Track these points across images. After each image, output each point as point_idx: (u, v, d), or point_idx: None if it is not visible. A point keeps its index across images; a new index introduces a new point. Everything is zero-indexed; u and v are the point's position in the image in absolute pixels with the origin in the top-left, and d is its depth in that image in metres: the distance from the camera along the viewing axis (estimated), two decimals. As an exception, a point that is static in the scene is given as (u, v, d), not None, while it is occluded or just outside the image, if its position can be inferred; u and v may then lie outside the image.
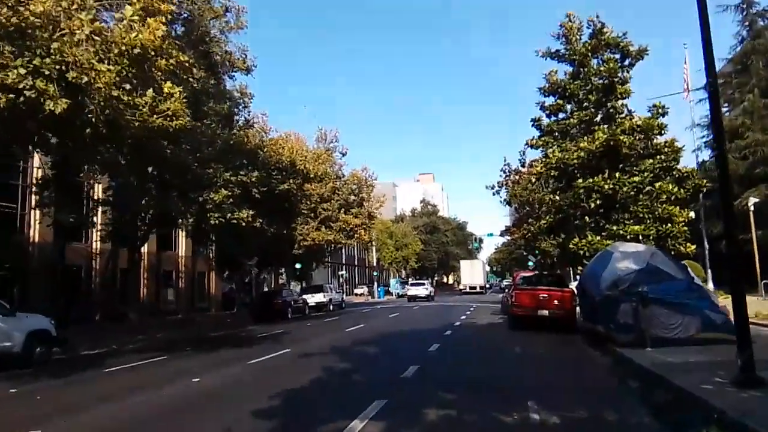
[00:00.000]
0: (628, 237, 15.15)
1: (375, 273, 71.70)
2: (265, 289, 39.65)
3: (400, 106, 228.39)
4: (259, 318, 30.50)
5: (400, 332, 17.53)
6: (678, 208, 15.50)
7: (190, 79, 16.40)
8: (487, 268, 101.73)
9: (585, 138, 16.35)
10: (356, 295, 75.14)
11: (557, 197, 16.95)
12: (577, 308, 17.21)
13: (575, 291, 17.55)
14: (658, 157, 15.59)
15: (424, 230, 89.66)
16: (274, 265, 37.24)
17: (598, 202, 16.03)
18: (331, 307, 37.55)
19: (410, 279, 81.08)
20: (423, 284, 53.41)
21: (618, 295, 12.83)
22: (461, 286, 70.86)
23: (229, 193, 19.54)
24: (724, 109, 34.26)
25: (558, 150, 16.74)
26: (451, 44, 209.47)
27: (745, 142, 30.44)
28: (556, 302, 17.05)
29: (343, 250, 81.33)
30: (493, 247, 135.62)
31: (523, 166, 33.12)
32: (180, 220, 20.50)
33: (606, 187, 15.22)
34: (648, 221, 15.31)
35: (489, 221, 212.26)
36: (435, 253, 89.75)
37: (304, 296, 36.86)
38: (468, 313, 27.53)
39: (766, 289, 25.59)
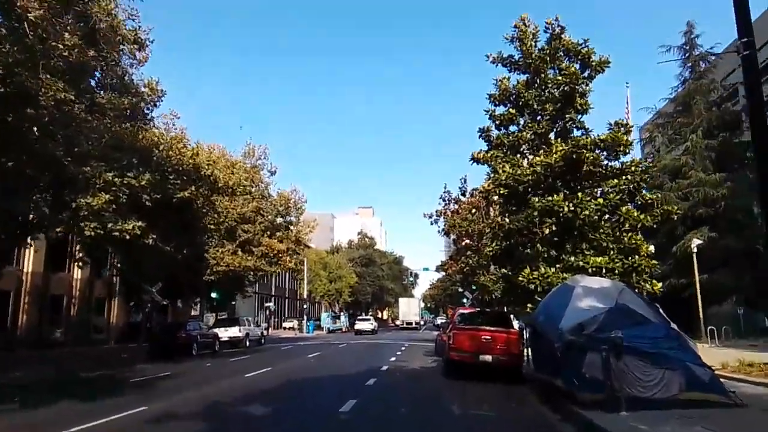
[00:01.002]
0: (590, 270, 12.65)
1: (305, 306, 67.24)
2: (175, 320, 34.79)
3: (340, 139, 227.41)
4: (156, 354, 26.09)
5: (312, 380, 14.10)
6: (642, 238, 13.25)
7: (60, 46, 12.90)
8: (422, 305, 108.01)
9: (541, 152, 13.93)
10: (285, 329, 70.42)
11: (506, 220, 14.35)
12: (526, 354, 14.50)
13: (522, 332, 14.86)
14: (624, 177, 13.38)
15: (360, 263, 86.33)
16: (184, 293, 32.72)
17: (554, 228, 13.51)
18: (248, 343, 33.28)
19: (341, 314, 77.37)
20: (369, 320, 63.30)
21: (584, 342, 10.12)
22: (399, 322, 79.08)
23: (111, 198, 15.70)
24: (665, 150, 33.72)
25: (509, 166, 14.22)
26: (402, 72, 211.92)
27: (688, 182, 29.59)
28: (500, 346, 14.23)
29: (273, 280, 76.70)
30: (428, 282, 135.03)
31: (463, 194, 31.10)
32: (43, 229, 16.30)
33: (565, 208, 12.74)
34: (612, 252, 12.91)
35: (426, 258, 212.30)
36: (369, 287, 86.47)
37: (217, 330, 32.53)
38: (399, 353, 24.35)
39: (712, 335, 24.10)
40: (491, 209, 29.56)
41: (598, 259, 12.69)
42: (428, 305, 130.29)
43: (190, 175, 18.99)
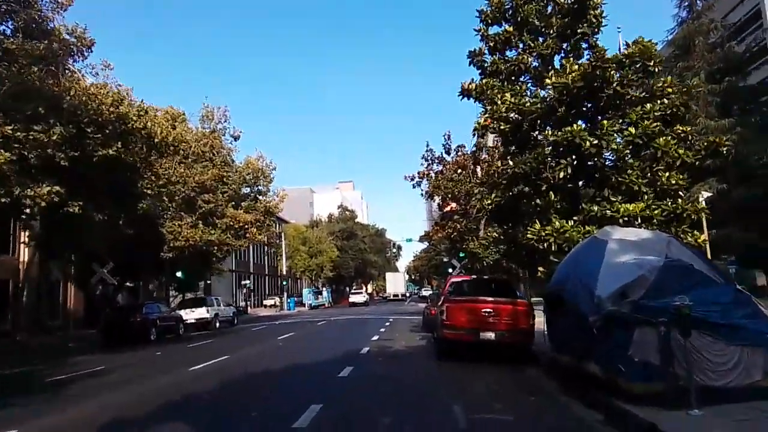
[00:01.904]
0: (620, 220, 9.83)
1: (284, 282, 64.30)
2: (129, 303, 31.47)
3: (321, 112, 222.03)
4: (109, 341, 23.14)
5: (271, 374, 11.20)
6: (686, 177, 10.44)
7: None
8: (406, 277, 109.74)
9: (551, 73, 10.91)
10: (266, 306, 67.71)
11: (510, 162, 11.36)
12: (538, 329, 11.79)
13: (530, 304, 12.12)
14: (659, 102, 10.50)
15: (341, 236, 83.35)
16: (142, 273, 29.49)
17: (569, 170, 10.60)
18: (217, 324, 30.35)
19: (323, 289, 74.67)
20: (361, 293, 70.59)
21: (630, 313, 7.36)
22: (386, 295, 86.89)
23: (14, 157, 12.40)
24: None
25: (510, 95, 11.22)
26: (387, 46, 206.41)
27: (691, 129, 26.93)
28: (505, 320, 11.48)
29: (251, 257, 73.45)
30: (411, 254, 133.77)
31: (447, 153, 28.15)
32: None
33: (587, 143, 9.83)
34: (647, 196, 10.08)
35: (409, 230, 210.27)
36: (352, 261, 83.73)
37: (182, 312, 29.48)
38: (382, 330, 21.61)
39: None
40: (478, 168, 26.68)
41: (630, 206, 9.86)
42: (412, 277, 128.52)
43: (113, 127, 15.55)
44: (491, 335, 11.45)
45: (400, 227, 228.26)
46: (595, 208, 10.36)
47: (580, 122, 10.38)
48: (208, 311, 29.59)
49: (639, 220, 9.80)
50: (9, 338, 26.62)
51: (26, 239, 20.20)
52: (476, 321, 11.47)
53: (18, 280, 30.99)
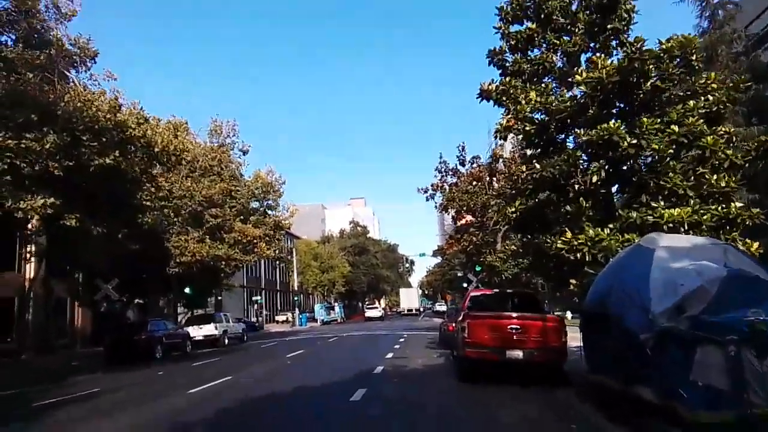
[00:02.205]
0: (664, 227, 8.78)
1: (296, 298, 63.27)
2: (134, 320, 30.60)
3: (330, 130, 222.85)
4: (113, 360, 22.31)
5: (278, 396, 10.20)
6: (738, 178, 9.36)
7: None
8: (419, 292, 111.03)
9: (579, 70, 9.95)
10: (278, 322, 66.73)
11: (537, 166, 10.34)
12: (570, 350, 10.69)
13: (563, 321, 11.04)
14: (704, 98, 9.50)
15: (353, 251, 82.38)
16: (149, 289, 28.73)
17: (603, 173, 9.60)
18: (226, 342, 29.41)
19: (336, 304, 73.53)
20: (377, 307, 74.30)
21: (689, 330, 6.32)
22: (400, 309, 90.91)
23: (5, 166, 11.67)
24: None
25: (535, 93, 10.28)
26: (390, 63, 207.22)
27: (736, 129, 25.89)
28: (535, 337, 10.41)
29: (262, 273, 72.70)
30: (424, 269, 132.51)
31: (462, 164, 27.19)
32: None
33: (625, 142, 8.84)
34: (692, 201, 9.03)
35: (421, 245, 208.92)
36: (364, 276, 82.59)
37: (190, 328, 28.60)
38: (397, 347, 20.52)
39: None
40: (494, 180, 25.70)
41: (675, 212, 8.81)
42: (425, 292, 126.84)
43: (110, 135, 14.76)
44: (519, 354, 10.37)
45: (412, 243, 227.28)
46: (634, 214, 9.31)
47: (614, 121, 9.37)
48: (216, 328, 28.68)
49: (685, 227, 8.75)
50: (14, 358, 25.92)
51: (27, 255, 19.44)
52: (502, 338, 10.42)
53: (23, 297, 30.38)
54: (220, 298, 58.39)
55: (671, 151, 9.02)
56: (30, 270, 29.50)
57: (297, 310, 61.40)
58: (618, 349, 7.52)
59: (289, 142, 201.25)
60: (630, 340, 7.00)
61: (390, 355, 16.91)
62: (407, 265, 73.92)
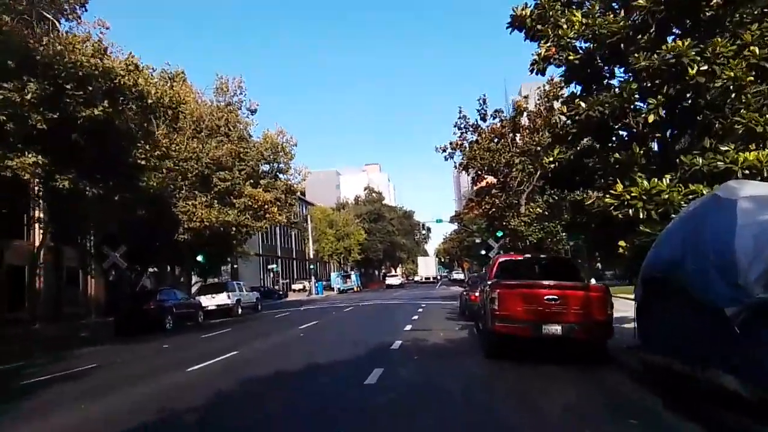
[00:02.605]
0: (739, 173, 7.25)
1: (311, 266, 62.62)
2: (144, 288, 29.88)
3: (347, 93, 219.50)
4: (122, 330, 21.64)
5: (284, 375, 9.07)
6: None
7: None
8: (436, 260, 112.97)
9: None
10: (294, 291, 66.42)
11: (582, 104, 8.71)
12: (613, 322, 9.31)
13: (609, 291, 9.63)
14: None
15: (368, 218, 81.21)
16: (159, 257, 27.89)
17: (662, 111, 8.03)
18: (240, 311, 28.65)
19: (352, 272, 72.77)
20: (396, 276, 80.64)
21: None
22: (417, 278, 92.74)
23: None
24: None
25: (580, 14, 8.64)
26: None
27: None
28: (577, 310, 9.06)
29: (278, 241, 72.13)
30: (440, 237, 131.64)
31: (483, 119, 25.44)
32: None
33: (692, 69, 7.25)
34: (772, 139, 7.45)
35: (438, 211, 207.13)
36: (380, 243, 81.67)
37: (202, 298, 27.85)
38: (415, 318, 19.38)
39: None
40: (518, 135, 23.97)
41: (751, 155, 7.26)
42: (442, 260, 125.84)
43: (97, 84, 13.34)
44: (557, 329, 9.05)
45: (428, 209, 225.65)
46: (699, 160, 7.75)
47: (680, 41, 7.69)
48: (229, 297, 27.87)
49: (765, 174, 7.21)
50: (24, 328, 25.42)
51: (32, 222, 18.48)
52: (538, 311, 9.09)
53: (33, 265, 29.82)
54: (236, 266, 57.99)
55: (750, 78, 7.38)
56: (37, 237, 28.87)
57: (313, 278, 60.87)
58: (691, 325, 6.13)
59: (301, 105, 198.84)
60: (710, 314, 5.59)
61: (408, 327, 15.75)
62: (424, 231, 72.51)
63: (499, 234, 29.24)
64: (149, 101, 15.29)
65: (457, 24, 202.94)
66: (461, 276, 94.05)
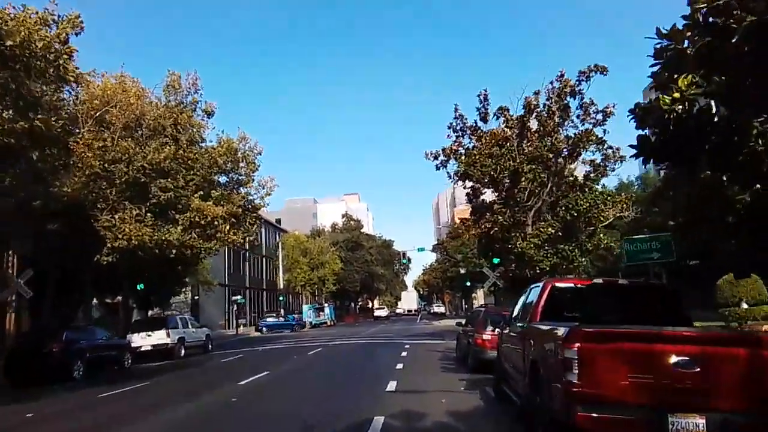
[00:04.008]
0: None
1: (281, 298, 57.14)
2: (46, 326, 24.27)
3: (325, 126, 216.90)
4: (17, 379, 16.64)
5: None
6: None
7: None
8: (416, 294, 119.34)
9: None
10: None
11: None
12: None
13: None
14: None
15: (345, 246, 76.24)
16: (75, 284, 22.67)
17: None
18: (183, 352, 23.37)
19: (326, 305, 67.17)
20: (383, 308, 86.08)
21: None
22: (399, 310, 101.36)
23: None
24: None
25: None
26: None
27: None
28: (734, 383, 4.55)
29: (247, 270, 66.57)
30: (420, 268, 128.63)
31: (484, 119, 21.18)
32: None
33: None
34: None
35: (416, 243, 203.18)
36: (357, 274, 76.56)
37: (134, 336, 22.58)
38: (400, 367, 14.59)
39: None
40: (527, 137, 19.74)
41: None
42: (421, 292, 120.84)
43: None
44: (698, 423, 4.51)
45: (407, 241, 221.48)
46: None
47: None
48: (169, 335, 22.59)
49: None
50: None
51: None
52: (660, 386, 4.55)
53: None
54: (197, 297, 52.24)
55: None
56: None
57: (282, 311, 55.39)
58: None
59: (279, 136, 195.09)
60: None
61: (392, 386, 10.94)
62: (404, 260, 67.33)
63: (496, 261, 24.78)
64: (8, 43, 10.45)
65: (441, 49, 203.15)
66: (442, 309, 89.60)
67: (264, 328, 47.79)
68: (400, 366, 14.73)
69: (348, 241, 78.11)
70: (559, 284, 7.00)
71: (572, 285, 7.06)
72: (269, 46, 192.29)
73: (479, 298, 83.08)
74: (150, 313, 30.22)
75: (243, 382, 12.81)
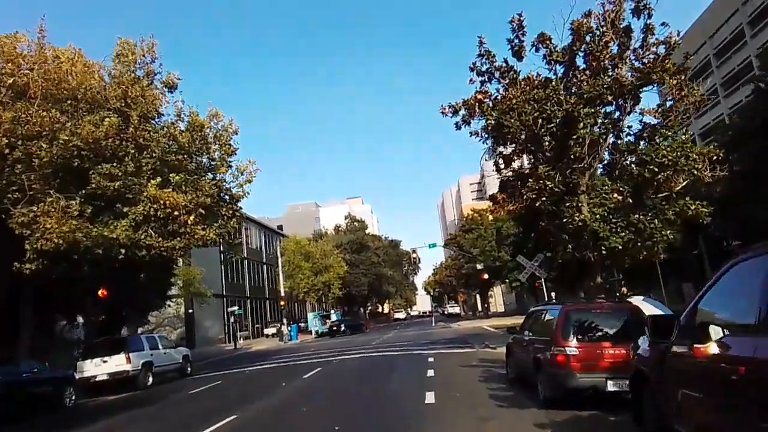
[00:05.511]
0: None
1: (282, 307, 52.36)
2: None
3: (325, 128, 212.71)
4: None
5: None
6: None
7: None
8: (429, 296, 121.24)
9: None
10: (267, 336, 56.01)
11: None
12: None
13: None
14: None
15: (350, 248, 71.38)
16: (14, 304, 17.96)
17: None
18: (150, 380, 18.61)
19: (332, 312, 62.19)
20: (401, 311, 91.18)
21: None
22: (414, 313, 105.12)
23: None
24: None
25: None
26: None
27: None
28: None
29: (247, 278, 61.96)
30: (429, 268, 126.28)
31: (518, 55, 16.16)
32: None
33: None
34: None
35: (424, 242, 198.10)
36: (364, 276, 71.69)
37: (86, 363, 17.88)
38: (430, 401, 9.78)
39: None
40: (576, 75, 14.91)
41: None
42: (431, 294, 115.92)
43: None
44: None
45: (413, 242, 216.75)
46: None
47: None
48: (129, 360, 17.86)
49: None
50: None
51: None
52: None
53: None
54: (191, 311, 47.50)
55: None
56: None
57: (285, 320, 50.57)
58: None
59: (282, 141, 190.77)
60: None
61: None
62: (414, 256, 61.63)
63: (546, 252, 19.87)
64: None
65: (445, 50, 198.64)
66: (457, 310, 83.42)
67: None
68: (430, 397, 9.88)
69: (353, 243, 73.32)
70: None
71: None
72: (264, 57, 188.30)
73: (496, 295, 77.92)
74: (124, 332, 25.64)
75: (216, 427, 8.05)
